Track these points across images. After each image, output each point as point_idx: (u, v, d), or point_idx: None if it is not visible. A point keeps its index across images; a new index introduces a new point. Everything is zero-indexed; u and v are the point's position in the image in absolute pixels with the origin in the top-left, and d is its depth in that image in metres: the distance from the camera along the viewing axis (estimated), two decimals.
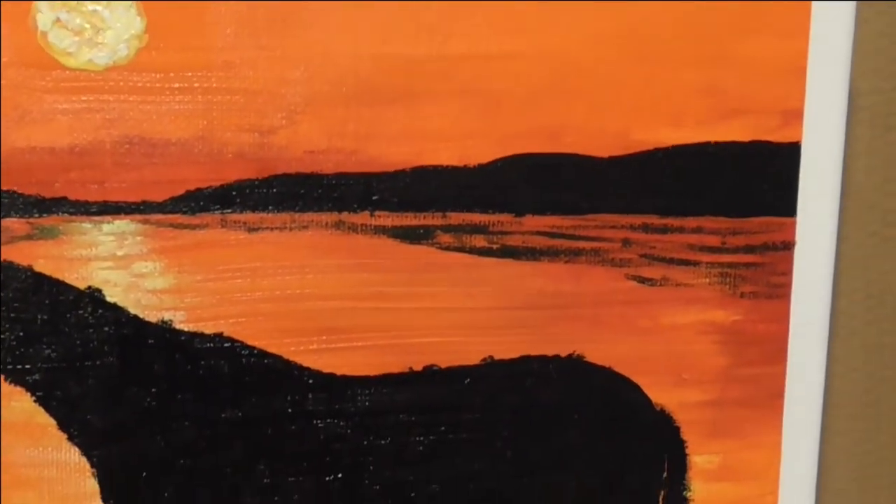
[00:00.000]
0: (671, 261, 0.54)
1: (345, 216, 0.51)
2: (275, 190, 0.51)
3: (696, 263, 0.54)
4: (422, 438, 0.54)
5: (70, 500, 0.52)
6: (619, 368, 0.54)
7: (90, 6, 0.48)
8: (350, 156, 0.51)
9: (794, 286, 0.55)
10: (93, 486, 0.52)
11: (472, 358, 0.53)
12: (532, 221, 0.52)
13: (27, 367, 0.51)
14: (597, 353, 0.54)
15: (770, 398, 0.56)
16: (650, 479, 0.56)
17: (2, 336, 0.50)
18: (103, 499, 0.52)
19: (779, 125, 0.53)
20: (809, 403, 0.56)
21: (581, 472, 0.55)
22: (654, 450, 0.56)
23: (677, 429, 0.55)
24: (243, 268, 0.51)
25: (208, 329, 0.52)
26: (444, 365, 0.53)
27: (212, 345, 0.52)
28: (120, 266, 0.51)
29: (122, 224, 0.50)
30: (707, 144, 0.53)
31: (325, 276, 0.52)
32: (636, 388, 0.55)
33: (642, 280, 0.54)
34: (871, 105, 0.61)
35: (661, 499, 0.56)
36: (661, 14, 0.51)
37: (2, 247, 0.49)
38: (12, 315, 0.50)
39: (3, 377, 0.51)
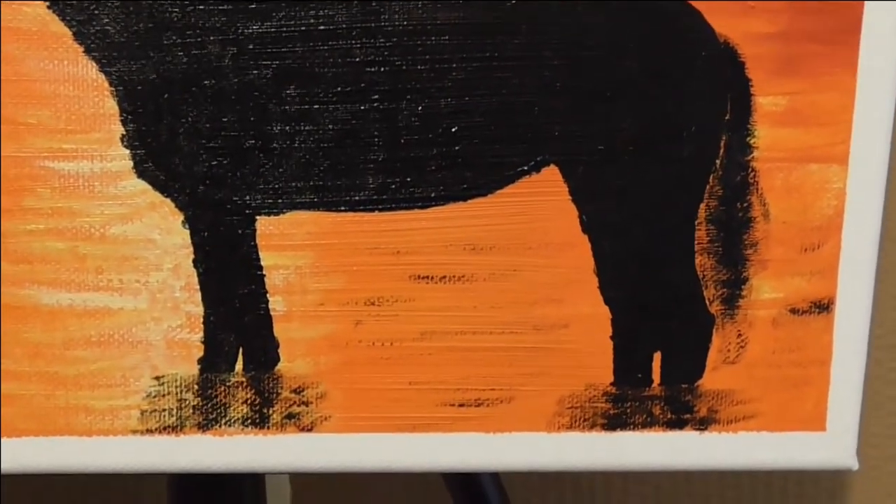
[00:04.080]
0: None
1: None
2: None
3: None
4: (464, 65, 0.54)
5: (87, 119, 0.54)
6: None
7: None
8: None
9: None
10: (111, 105, 0.54)
11: None
12: None
13: None
14: None
15: (845, 33, 0.57)
16: (712, 122, 0.57)
17: None
18: (122, 121, 0.54)
19: None
20: (893, 40, 0.57)
21: (636, 111, 0.56)
22: (717, 88, 0.56)
23: (742, 65, 0.56)
24: None
25: None
26: None
27: None
28: None
29: None
30: None
31: None
32: (698, 16, 0.55)
33: None
34: None
35: (723, 143, 0.57)
36: None
37: None
38: None
39: None
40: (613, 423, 0.61)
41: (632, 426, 0.61)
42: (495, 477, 0.78)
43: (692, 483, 0.95)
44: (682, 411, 0.61)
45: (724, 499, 0.97)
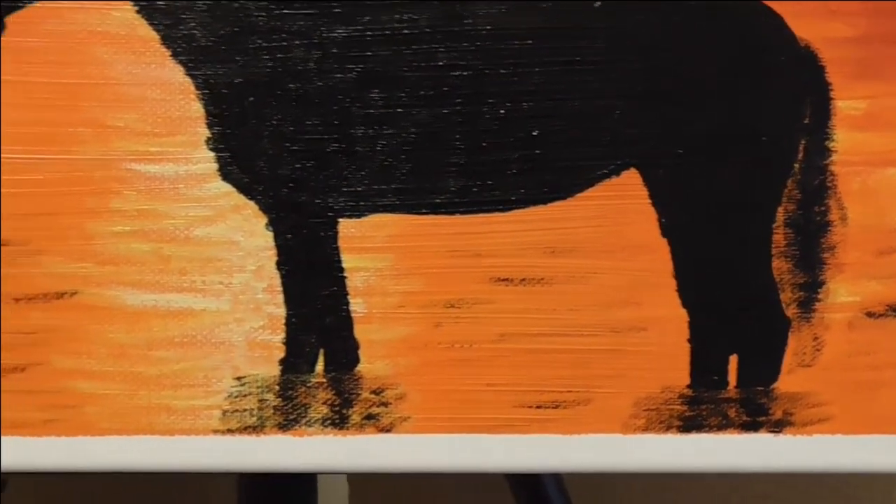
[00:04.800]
0: None
1: None
2: None
3: None
4: (545, 68, 0.55)
5: (173, 122, 0.55)
6: None
7: None
8: None
9: None
10: (197, 109, 0.55)
11: None
12: None
13: None
14: None
15: None
16: (791, 125, 0.57)
17: None
18: (207, 124, 0.55)
19: None
20: None
21: (715, 113, 0.56)
22: (797, 92, 0.57)
23: (822, 68, 0.56)
24: None
25: None
26: None
27: None
28: None
29: None
30: None
31: None
32: (779, 19, 0.56)
33: None
34: None
35: (801, 147, 0.57)
36: None
37: None
38: None
39: None
40: (689, 425, 0.61)
41: (707, 428, 0.61)
42: (559, 479, 0.78)
43: (746, 483, 0.95)
44: (757, 414, 0.61)
45: (778, 500, 0.97)
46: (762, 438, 0.61)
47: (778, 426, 0.61)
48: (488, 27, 0.55)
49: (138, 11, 0.54)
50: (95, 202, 0.56)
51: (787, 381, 0.61)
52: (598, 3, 0.55)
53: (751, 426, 0.61)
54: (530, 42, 0.56)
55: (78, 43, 0.54)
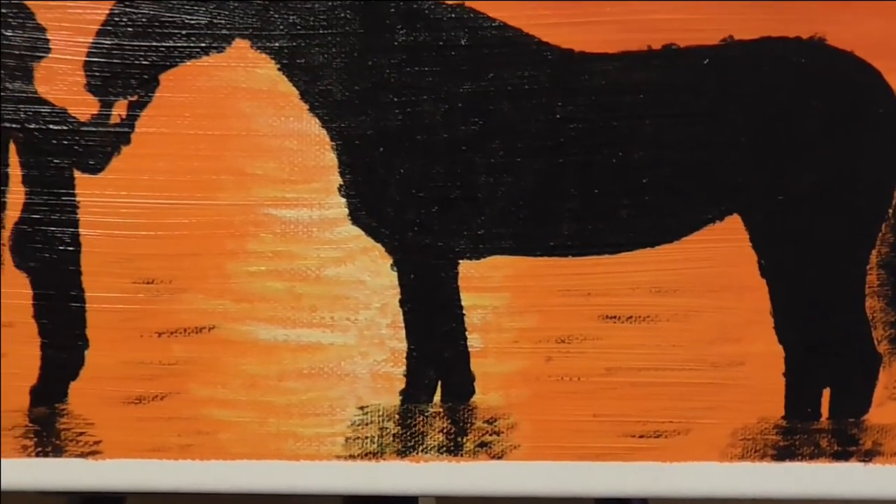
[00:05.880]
0: None
1: None
2: None
3: None
4: (656, 121, 0.59)
5: (309, 171, 0.59)
6: (860, 52, 0.59)
7: None
8: None
9: None
10: (331, 158, 0.59)
11: (712, 37, 0.58)
12: None
13: (272, 33, 0.57)
14: (839, 36, 0.59)
15: None
16: (886, 173, 0.61)
17: None
18: (340, 172, 0.59)
19: None
20: None
21: (816, 163, 0.60)
22: (892, 142, 0.60)
23: None
24: None
25: None
26: (683, 44, 0.58)
27: (453, 15, 0.57)
28: None
29: None
30: None
31: None
32: (875, 74, 0.59)
33: None
34: None
35: (894, 195, 0.61)
36: None
37: None
38: None
39: (250, 43, 0.57)
40: (783, 454, 0.65)
41: (800, 457, 0.65)
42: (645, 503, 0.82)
43: None
44: (848, 444, 0.65)
45: None
46: (852, 467, 0.65)
47: (868, 456, 0.65)
48: (603, 82, 0.59)
49: (280, 69, 0.58)
50: (235, 244, 0.60)
51: (878, 413, 0.65)
52: (707, 60, 0.59)
53: (842, 455, 0.65)
54: (642, 96, 0.60)
55: (224, 97, 0.59)
